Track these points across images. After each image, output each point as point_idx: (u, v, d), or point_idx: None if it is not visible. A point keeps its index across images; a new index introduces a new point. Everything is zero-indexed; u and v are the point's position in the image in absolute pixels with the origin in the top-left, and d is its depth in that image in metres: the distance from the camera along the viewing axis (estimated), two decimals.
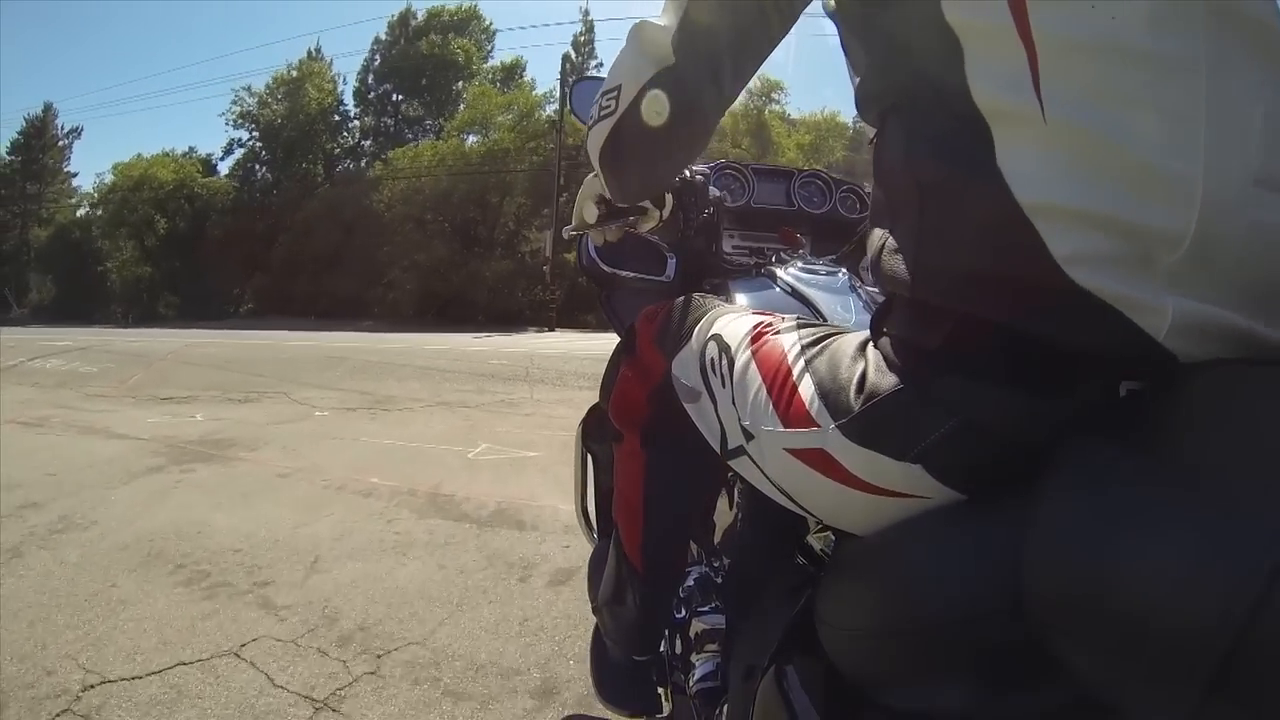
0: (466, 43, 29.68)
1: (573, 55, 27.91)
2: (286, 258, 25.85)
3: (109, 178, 29.88)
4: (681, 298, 0.92)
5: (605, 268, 1.28)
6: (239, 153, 30.57)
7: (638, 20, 0.68)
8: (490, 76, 29.01)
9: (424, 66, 29.32)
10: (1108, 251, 0.45)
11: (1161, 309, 0.44)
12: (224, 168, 31.02)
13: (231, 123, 29.92)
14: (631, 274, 1.28)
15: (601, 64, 27.35)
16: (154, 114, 57.98)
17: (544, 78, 29.18)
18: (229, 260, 27.25)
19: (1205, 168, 0.43)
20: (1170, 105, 0.44)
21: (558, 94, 24.16)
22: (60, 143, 33.07)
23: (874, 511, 0.58)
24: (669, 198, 1.10)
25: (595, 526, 1.47)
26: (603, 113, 0.73)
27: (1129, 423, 0.46)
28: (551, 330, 18.62)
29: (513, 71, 29.16)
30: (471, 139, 25.81)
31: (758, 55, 0.68)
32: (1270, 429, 0.39)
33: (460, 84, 29.30)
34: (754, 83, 27.78)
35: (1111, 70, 0.45)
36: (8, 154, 32.17)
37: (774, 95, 28.54)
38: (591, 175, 0.95)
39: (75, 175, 33.77)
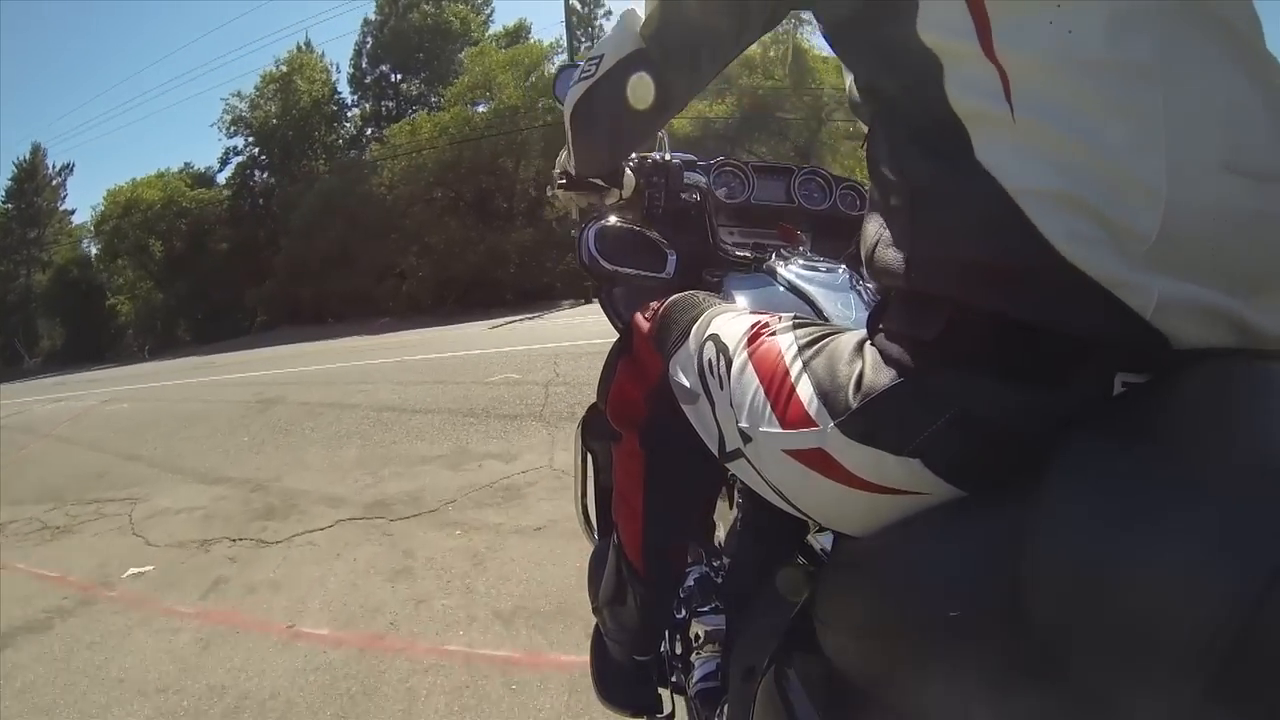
0: (462, 8, 27.00)
1: (577, 5, 25.05)
2: (290, 261, 23.08)
3: (103, 208, 27.56)
4: (678, 295, 0.90)
5: (605, 265, 1.19)
6: (235, 161, 27.91)
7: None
8: (494, 43, 26.23)
9: (419, 40, 26.69)
10: (1088, 233, 0.45)
11: (1146, 287, 0.44)
12: (223, 179, 28.36)
13: (225, 131, 27.51)
14: (632, 270, 1.19)
15: (610, 12, 25.51)
16: (142, 129, 55.30)
17: (553, 38, 26.06)
18: (235, 273, 24.90)
19: (1168, 166, 0.44)
20: (1130, 110, 0.45)
21: (565, 43, 21.23)
22: (53, 182, 31.09)
23: (873, 511, 0.57)
24: (629, 177, 1.14)
25: (595, 526, 1.42)
26: (583, 75, 0.83)
27: (1128, 420, 0.45)
28: (589, 301, 15.59)
29: (517, 35, 26.41)
30: (480, 108, 22.88)
31: (725, 52, 0.73)
32: (1270, 427, 0.39)
33: (462, 54, 26.62)
34: None
35: (1073, 81, 0.46)
36: (3, 202, 30.14)
37: (805, 16, 25.07)
38: (562, 150, 1.04)
39: (73, 212, 31.73)
